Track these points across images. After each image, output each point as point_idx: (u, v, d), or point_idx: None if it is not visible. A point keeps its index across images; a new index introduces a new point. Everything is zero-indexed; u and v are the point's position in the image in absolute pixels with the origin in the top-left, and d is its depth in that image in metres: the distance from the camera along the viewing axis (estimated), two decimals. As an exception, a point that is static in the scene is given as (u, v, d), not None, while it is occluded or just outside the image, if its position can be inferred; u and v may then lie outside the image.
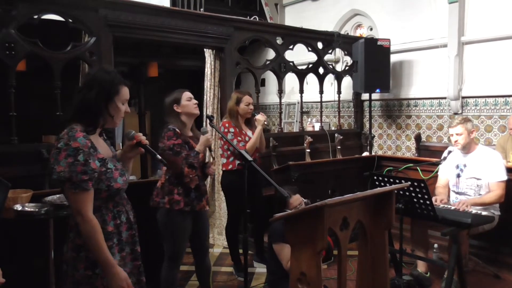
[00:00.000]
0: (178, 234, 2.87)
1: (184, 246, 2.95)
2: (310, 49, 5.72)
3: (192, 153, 2.80)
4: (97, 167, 1.75)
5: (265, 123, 3.81)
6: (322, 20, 7.08)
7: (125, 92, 1.87)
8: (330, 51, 5.97)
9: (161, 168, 3.01)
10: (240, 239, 3.75)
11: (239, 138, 3.78)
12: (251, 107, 3.85)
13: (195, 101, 2.94)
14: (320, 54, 5.75)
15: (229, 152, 3.81)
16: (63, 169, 1.68)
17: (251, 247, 4.37)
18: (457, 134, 3.58)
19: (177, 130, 2.83)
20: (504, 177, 3.49)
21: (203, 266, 3.08)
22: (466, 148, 3.60)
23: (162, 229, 2.89)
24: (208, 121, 2.95)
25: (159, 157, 2.03)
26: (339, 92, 6.13)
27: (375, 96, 6.25)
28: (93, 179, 1.73)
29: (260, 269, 4.07)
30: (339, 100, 6.20)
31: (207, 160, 3.11)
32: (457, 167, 3.67)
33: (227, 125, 3.81)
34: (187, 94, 2.93)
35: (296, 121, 7.37)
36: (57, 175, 1.69)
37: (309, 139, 5.37)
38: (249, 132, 3.87)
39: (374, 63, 5.68)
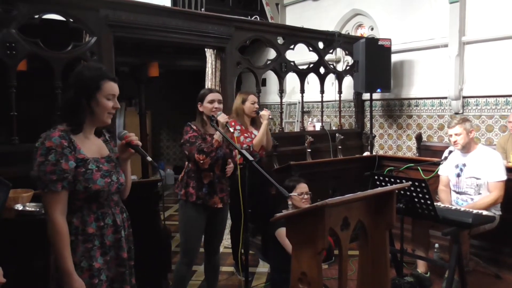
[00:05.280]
0: (190, 227, 2.95)
1: (197, 242, 2.99)
2: (311, 49, 5.72)
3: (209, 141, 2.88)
4: (70, 167, 1.68)
5: (270, 117, 3.89)
6: (323, 20, 7.08)
7: (109, 87, 1.79)
8: (331, 51, 5.97)
9: (164, 169, 3.04)
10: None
11: (245, 135, 3.88)
12: (256, 105, 3.95)
13: (217, 105, 2.94)
14: (321, 54, 5.75)
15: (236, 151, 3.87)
16: (34, 168, 1.67)
17: (252, 247, 4.38)
18: (455, 135, 3.57)
19: (193, 126, 2.95)
20: (503, 177, 3.48)
21: (211, 263, 3.13)
22: (466, 148, 3.60)
23: (179, 222, 3.02)
24: (224, 115, 2.95)
25: (150, 159, 1.92)
26: (340, 92, 6.13)
27: (376, 96, 6.25)
28: (63, 180, 1.67)
29: (262, 268, 4.07)
30: (340, 100, 6.20)
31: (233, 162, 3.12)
32: (457, 166, 3.67)
33: (233, 123, 3.89)
34: (211, 96, 2.95)
35: (297, 120, 7.37)
36: (31, 174, 1.68)
37: (310, 139, 5.36)
38: (255, 131, 3.95)
39: (375, 63, 5.68)
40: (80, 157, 1.74)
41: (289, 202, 3.25)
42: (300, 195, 3.25)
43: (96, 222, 1.79)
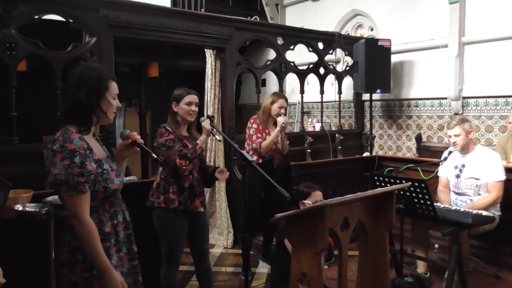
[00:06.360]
0: (173, 234, 2.83)
1: (181, 247, 2.91)
2: (310, 49, 5.71)
3: (191, 147, 2.79)
4: (94, 169, 1.74)
5: (283, 125, 3.93)
6: (323, 20, 7.08)
7: (114, 86, 1.86)
8: (330, 52, 5.96)
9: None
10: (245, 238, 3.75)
11: (258, 135, 3.94)
12: (283, 110, 4.01)
13: (194, 108, 2.86)
14: (320, 54, 5.75)
15: (250, 147, 3.96)
16: (59, 172, 1.67)
17: (252, 247, 4.38)
18: (455, 135, 3.58)
19: (168, 128, 2.85)
20: (502, 177, 3.48)
21: (203, 268, 3.03)
22: (465, 149, 3.61)
23: (158, 230, 2.85)
24: (209, 120, 2.91)
25: (155, 155, 2.03)
26: (339, 92, 6.13)
27: (375, 96, 6.24)
28: (89, 181, 1.72)
29: (262, 268, 4.07)
30: (339, 101, 6.20)
31: (219, 166, 3.07)
32: (456, 167, 3.67)
33: (252, 121, 4.05)
34: (189, 98, 2.86)
35: (297, 121, 7.37)
36: (53, 178, 1.69)
37: (309, 139, 5.36)
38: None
39: (374, 64, 5.68)
40: (96, 158, 1.78)
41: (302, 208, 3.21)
42: (314, 203, 3.21)
43: (111, 220, 1.85)
